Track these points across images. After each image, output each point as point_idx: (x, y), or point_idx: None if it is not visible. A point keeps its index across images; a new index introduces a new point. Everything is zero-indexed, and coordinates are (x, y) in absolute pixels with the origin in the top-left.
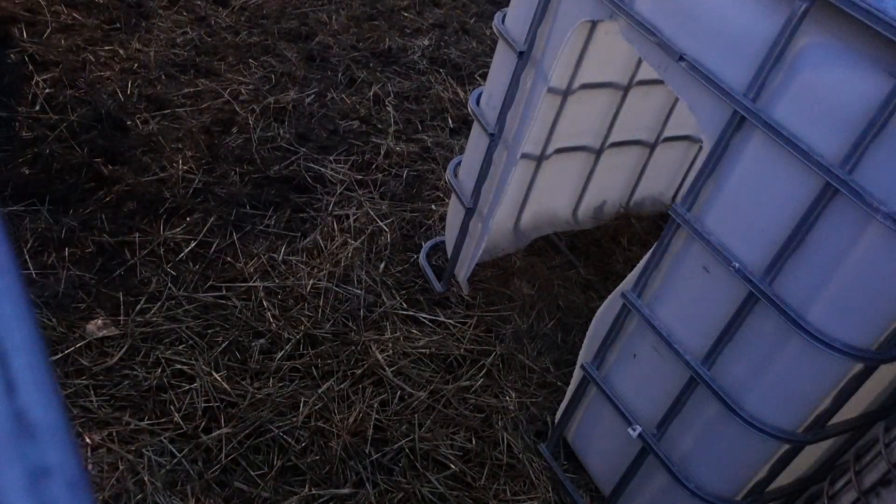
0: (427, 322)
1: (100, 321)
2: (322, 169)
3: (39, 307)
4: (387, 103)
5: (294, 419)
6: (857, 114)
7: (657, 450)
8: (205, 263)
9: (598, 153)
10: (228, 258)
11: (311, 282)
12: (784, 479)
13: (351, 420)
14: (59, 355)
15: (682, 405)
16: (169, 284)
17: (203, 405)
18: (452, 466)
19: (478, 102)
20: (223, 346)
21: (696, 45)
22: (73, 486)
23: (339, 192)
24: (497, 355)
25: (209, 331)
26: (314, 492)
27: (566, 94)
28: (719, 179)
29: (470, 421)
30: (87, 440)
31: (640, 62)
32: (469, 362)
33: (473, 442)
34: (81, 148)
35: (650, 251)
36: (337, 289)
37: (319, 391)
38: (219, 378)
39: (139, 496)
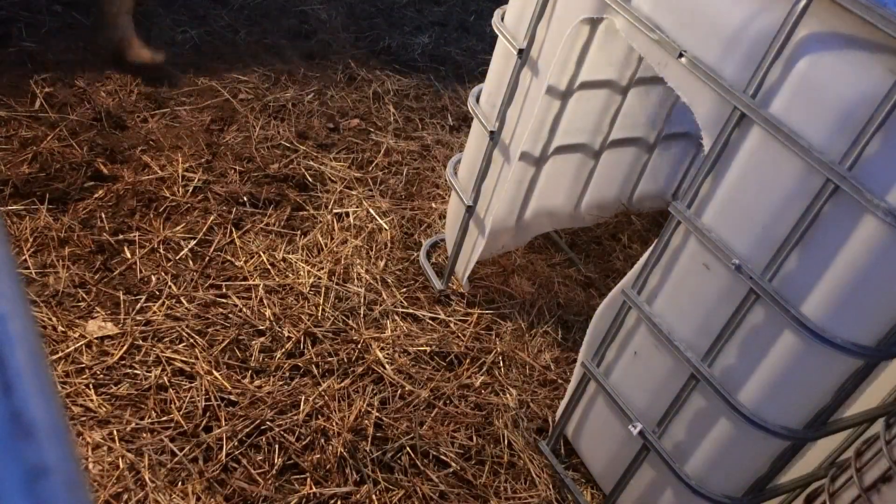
0: (427, 320)
1: (100, 320)
2: (322, 167)
3: (39, 306)
4: (386, 101)
5: (294, 417)
6: (857, 110)
7: (658, 447)
8: (204, 262)
9: (598, 151)
10: (228, 256)
11: (311, 280)
12: (785, 475)
13: (351, 418)
14: (60, 354)
15: (683, 402)
16: (169, 283)
17: (203, 403)
18: (453, 464)
19: (477, 100)
20: (223, 344)
21: (696, 41)
22: (71, 485)
23: (338, 190)
24: (497, 353)
25: (209, 329)
26: (315, 490)
27: (566, 92)
28: (719, 176)
29: (470, 419)
30: (88, 439)
31: (639, 60)
32: (469, 360)
33: (474, 440)
34: (81, 147)
35: (650, 248)
36: (337, 287)
37: (320, 389)
38: (219, 376)
39: (140, 495)
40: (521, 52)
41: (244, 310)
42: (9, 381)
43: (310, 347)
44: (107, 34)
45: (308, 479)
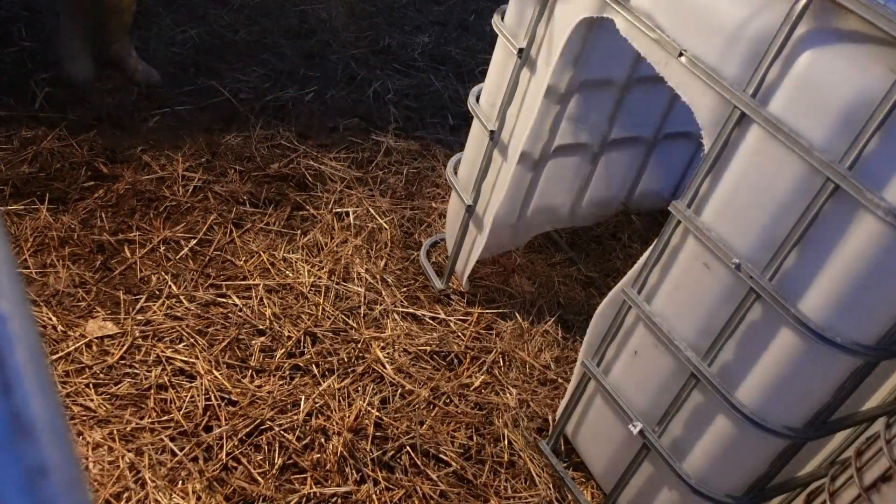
0: (427, 319)
1: (100, 319)
2: (322, 167)
3: (39, 306)
4: (386, 101)
5: (295, 417)
6: (857, 109)
7: (658, 447)
8: (205, 261)
9: (599, 150)
10: (228, 256)
11: (311, 279)
12: (785, 475)
13: (352, 417)
14: (60, 354)
15: (683, 402)
16: (169, 282)
17: (204, 403)
18: (453, 464)
19: (477, 100)
20: (223, 344)
21: (696, 40)
22: (71, 485)
23: (338, 189)
24: (498, 352)
25: (209, 329)
26: (315, 489)
27: (566, 91)
28: (719, 175)
29: (470, 418)
30: (88, 439)
31: (639, 58)
32: (469, 359)
33: (474, 439)
34: (81, 146)
35: (650, 248)
36: (337, 286)
37: (320, 389)
38: (219, 376)
39: (140, 494)
40: (520, 51)
41: (244, 309)
42: (8, 380)
43: (310, 347)
44: (104, 49)
45: (308, 479)
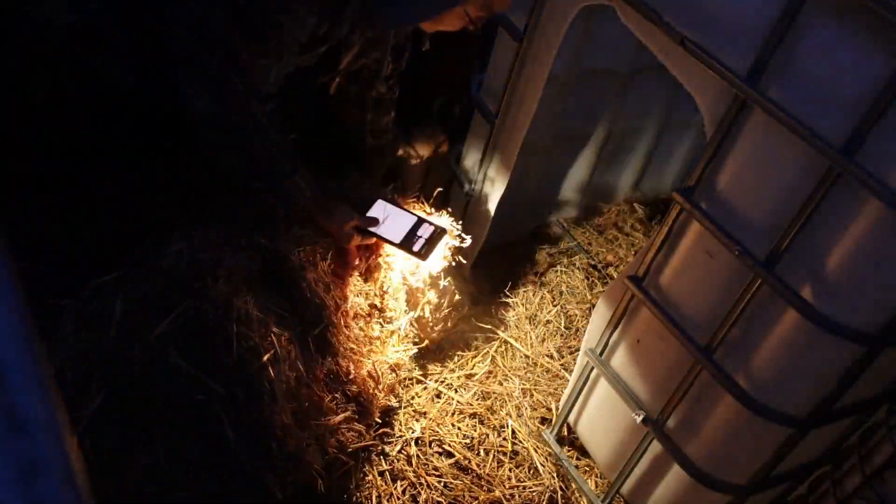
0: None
1: None
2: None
3: None
4: None
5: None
6: (860, 95)
7: (661, 435)
8: None
9: (602, 139)
10: None
11: None
12: (788, 463)
13: None
14: None
15: (687, 390)
16: None
17: None
18: (457, 454)
19: (479, 89)
20: None
21: (698, 28)
22: (64, 481)
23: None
24: (501, 342)
25: None
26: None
27: (567, 79)
28: (722, 163)
29: (474, 408)
30: None
31: (642, 47)
32: (473, 349)
33: (477, 429)
34: None
35: (653, 236)
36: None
37: None
38: None
39: None
40: (521, 39)
41: None
42: (3, 377)
43: None
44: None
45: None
